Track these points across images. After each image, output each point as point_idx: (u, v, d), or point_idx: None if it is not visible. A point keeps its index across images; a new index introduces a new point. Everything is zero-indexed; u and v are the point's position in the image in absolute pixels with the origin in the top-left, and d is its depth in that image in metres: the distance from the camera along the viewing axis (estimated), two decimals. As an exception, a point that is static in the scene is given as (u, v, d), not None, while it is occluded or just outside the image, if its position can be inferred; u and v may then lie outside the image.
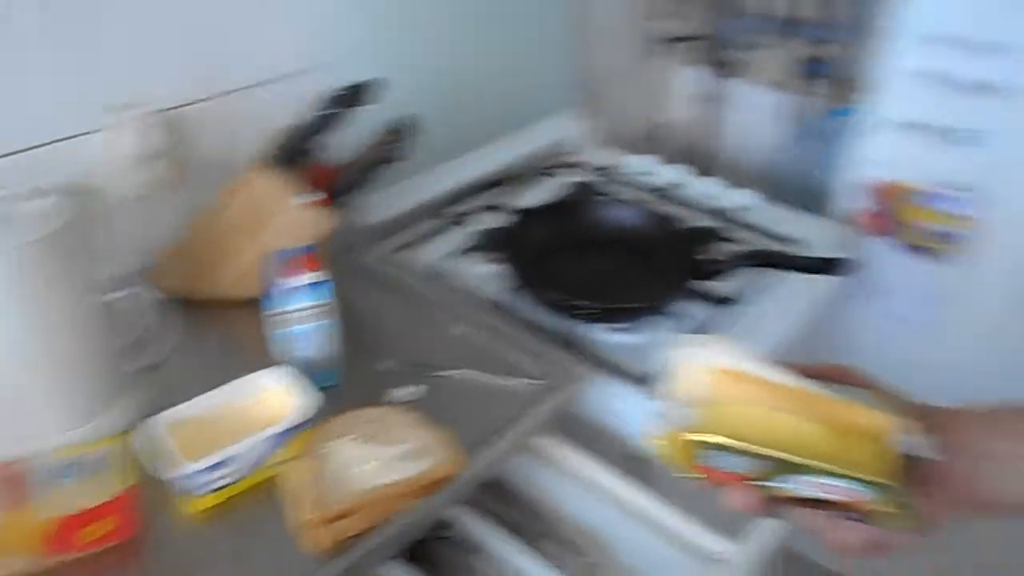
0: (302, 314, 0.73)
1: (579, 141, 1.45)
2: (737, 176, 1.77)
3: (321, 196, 0.83)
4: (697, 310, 0.98)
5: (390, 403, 0.77)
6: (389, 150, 0.82)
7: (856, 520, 0.38)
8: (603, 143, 1.54)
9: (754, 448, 0.36)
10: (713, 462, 0.38)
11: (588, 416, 0.91)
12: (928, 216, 1.21)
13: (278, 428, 0.68)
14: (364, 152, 0.85)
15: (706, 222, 1.18)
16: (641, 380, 0.88)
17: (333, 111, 0.83)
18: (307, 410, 0.69)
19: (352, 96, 0.85)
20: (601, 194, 1.24)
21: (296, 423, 0.69)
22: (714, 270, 0.95)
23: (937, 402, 0.44)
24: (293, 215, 0.83)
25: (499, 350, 0.87)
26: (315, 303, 0.73)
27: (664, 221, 1.08)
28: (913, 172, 1.21)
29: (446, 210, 1.19)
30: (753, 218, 1.19)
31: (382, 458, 0.68)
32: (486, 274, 1.03)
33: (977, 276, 1.22)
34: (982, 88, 1.09)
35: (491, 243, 1.02)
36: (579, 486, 0.82)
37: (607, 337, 0.95)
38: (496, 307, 0.98)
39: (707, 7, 1.67)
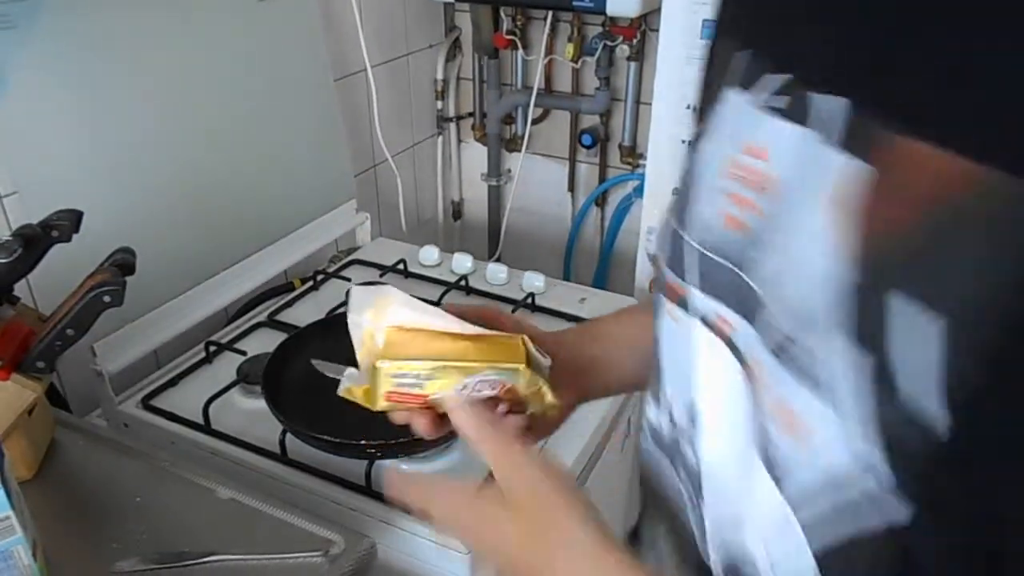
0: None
1: (362, 236, 1.33)
2: (528, 251, 1.74)
3: (7, 363, 0.64)
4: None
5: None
6: (99, 295, 0.65)
7: (517, 412, 0.49)
8: (388, 234, 1.44)
9: (427, 363, 0.47)
10: (397, 389, 0.48)
11: (398, 569, 0.78)
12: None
13: None
14: (67, 301, 0.67)
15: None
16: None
17: (17, 254, 0.65)
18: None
19: (44, 232, 0.67)
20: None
21: None
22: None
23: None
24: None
25: (276, 514, 0.71)
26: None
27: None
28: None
29: (210, 339, 1.01)
30: (549, 301, 1.13)
31: None
32: (257, 413, 0.87)
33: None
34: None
35: (257, 375, 0.86)
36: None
37: (408, 471, 0.82)
38: (271, 457, 0.83)
39: (479, 84, 1.65)
